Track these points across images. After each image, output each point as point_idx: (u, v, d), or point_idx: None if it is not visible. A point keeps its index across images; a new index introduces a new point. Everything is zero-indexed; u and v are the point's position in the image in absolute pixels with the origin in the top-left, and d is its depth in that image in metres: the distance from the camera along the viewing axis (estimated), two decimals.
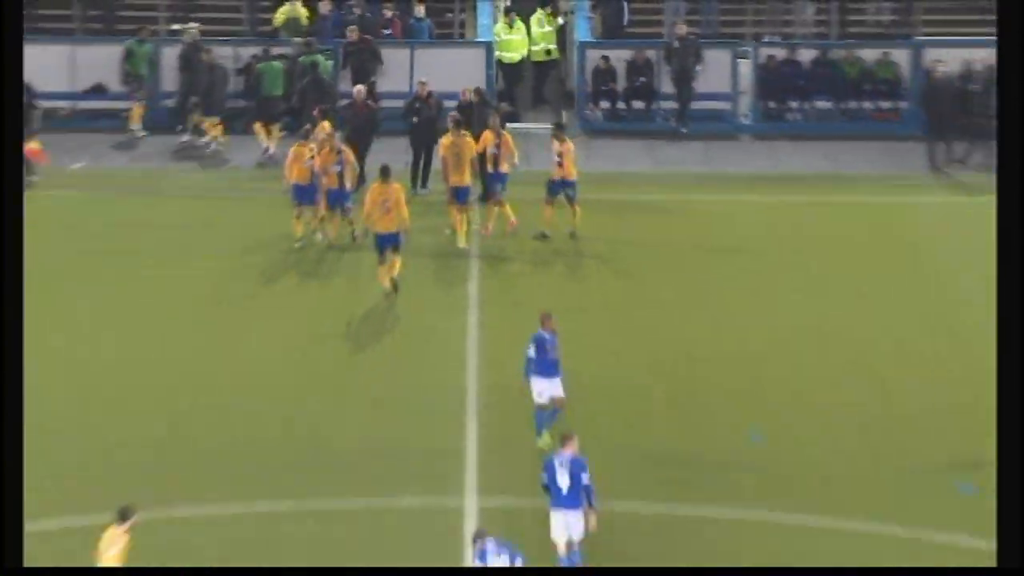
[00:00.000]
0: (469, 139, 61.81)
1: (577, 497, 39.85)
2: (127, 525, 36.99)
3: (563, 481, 39.79)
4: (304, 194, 60.52)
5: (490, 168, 62.49)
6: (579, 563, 39.88)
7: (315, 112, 65.54)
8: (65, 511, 43.45)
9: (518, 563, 36.44)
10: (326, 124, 62.98)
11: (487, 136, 62.76)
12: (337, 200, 60.82)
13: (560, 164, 62.14)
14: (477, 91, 67.87)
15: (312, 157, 60.66)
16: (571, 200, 62.33)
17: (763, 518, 43.33)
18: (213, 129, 73.00)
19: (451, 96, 67.77)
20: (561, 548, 39.92)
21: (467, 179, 61.50)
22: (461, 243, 61.29)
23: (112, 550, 36.73)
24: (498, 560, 36.34)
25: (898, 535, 42.55)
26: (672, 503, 43.97)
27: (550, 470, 40.06)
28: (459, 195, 61.65)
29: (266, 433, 47.88)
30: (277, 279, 59.26)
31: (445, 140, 62.24)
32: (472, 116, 64.93)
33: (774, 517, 43.35)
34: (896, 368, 52.47)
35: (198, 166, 72.50)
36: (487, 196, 63.02)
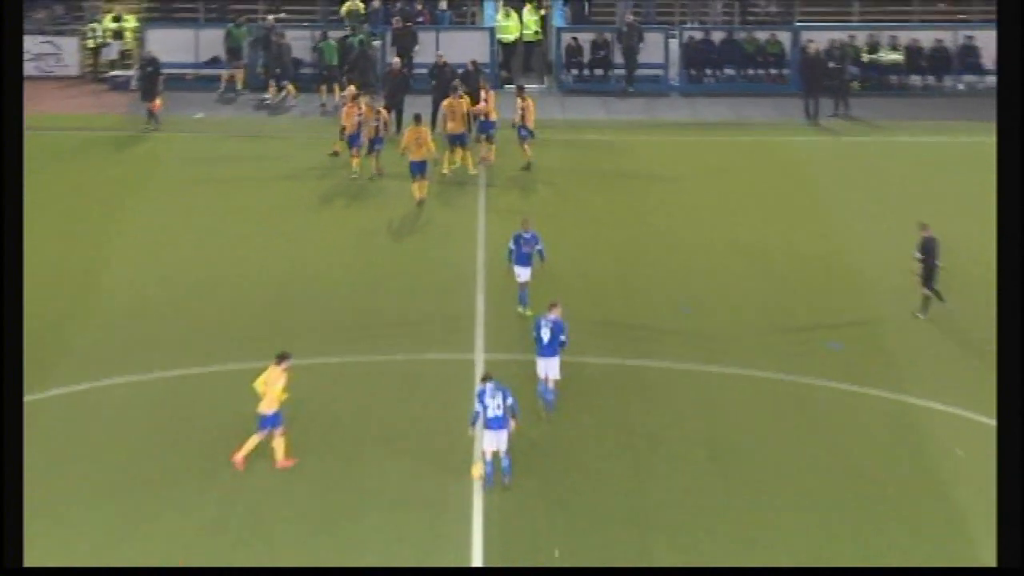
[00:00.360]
0: (464, 100, 61.30)
1: (555, 349, 40.31)
2: (285, 365, 37.38)
3: (545, 336, 40.23)
4: (354, 139, 60.26)
5: (482, 118, 62.11)
6: (553, 398, 40.17)
7: (344, 79, 66.51)
8: (213, 360, 43.51)
9: (508, 401, 36.36)
10: (352, 88, 63.39)
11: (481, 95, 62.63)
12: (374, 145, 60.47)
13: (522, 116, 61.74)
14: (473, 63, 67.46)
15: (360, 113, 60.40)
16: (523, 140, 61.72)
17: (687, 368, 43.22)
18: (289, 90, 72.46)
19: (460, 65, 67.60)
20: (542, 382, 40.40)
21: (460, 127, 60.90)
22: (471, 171, 60.88)
23: (278, 384, 37.19)
24: (492, 400, 36.29)
25: (782, 379, 42.50)
26: (619, 356, 43.84)
27: (537, 327, 40.55)
28: (454, 140, 61.02)
29: (330, 307, 47.74)
30: (335, 196, 58.71)
31: (446, 101, 61.85)
32: (470, 78, 64.68)
33: (695, 367, 43.25)
34: (785, 259, 52.16)
35: (278, 116, 71.81)
36: (479, 137, 62.41)
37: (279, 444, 37.37)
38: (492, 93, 63.34)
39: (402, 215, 56.38)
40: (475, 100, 62.10)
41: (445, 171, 60.35)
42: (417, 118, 58.59)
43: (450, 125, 61.08)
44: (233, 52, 74.18)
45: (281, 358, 37.57)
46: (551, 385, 40.44)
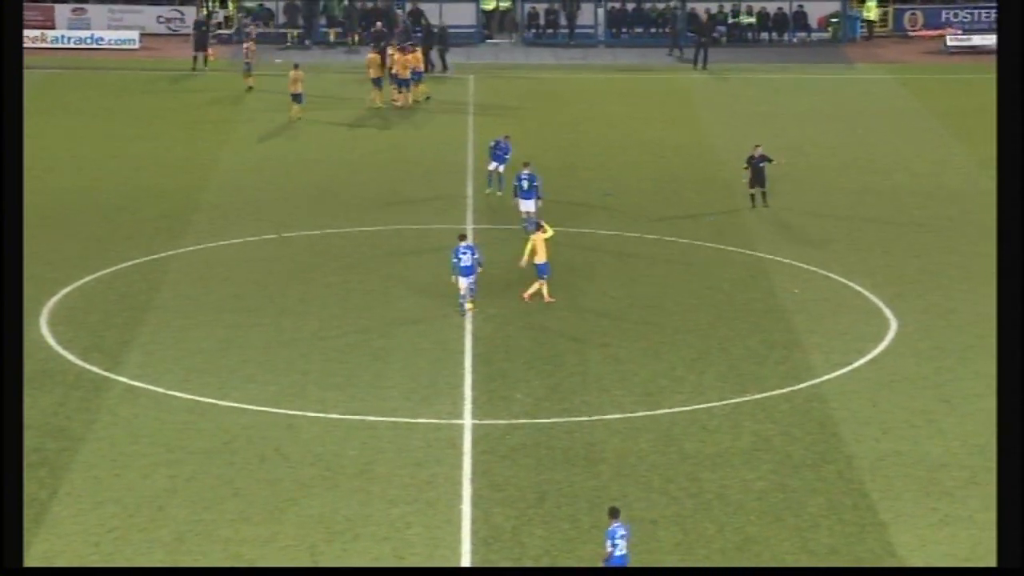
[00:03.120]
0: (409, 56, 57.62)
1: (531, 194, 40.96)
2: (540, 233, 36.60)
3: (525, 185, 40.95)
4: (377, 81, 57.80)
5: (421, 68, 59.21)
6: (534, 225, 39.06)
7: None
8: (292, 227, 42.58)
9: (475, 255, 35.43)
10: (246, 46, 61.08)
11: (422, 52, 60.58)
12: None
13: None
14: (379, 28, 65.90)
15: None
16: (418, 82, 58.30)
17: (611, 232, 42.60)
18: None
19: (455, 26, 66.88)
20: (523, 216, 41.01)
21: (407, 74, 57.17)
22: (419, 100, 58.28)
23: (541, 244, 36.25)
24: (464, 256, 35.35)
25: (676, 241, 41.80)
26: (564, 226, 42.81)
27: (519, 179, 41.32)
28: (403, 82, 57.25)
29: (366, 187, 46.87)
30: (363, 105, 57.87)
31: (396, 54, 58.07)
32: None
33: (616, 232, 42.59)
34: (673, 155, 51.46)
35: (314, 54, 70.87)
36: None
37: (542, 285, 36.37)
38: (419, 52, 59.84)
39: (398, 114, 55.62)
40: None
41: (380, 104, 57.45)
42: (403, 49, 57.74)
43: (401, 73, 57.37)
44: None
45: (538, 227, 36.89)
46: (534, 216, 40.30)
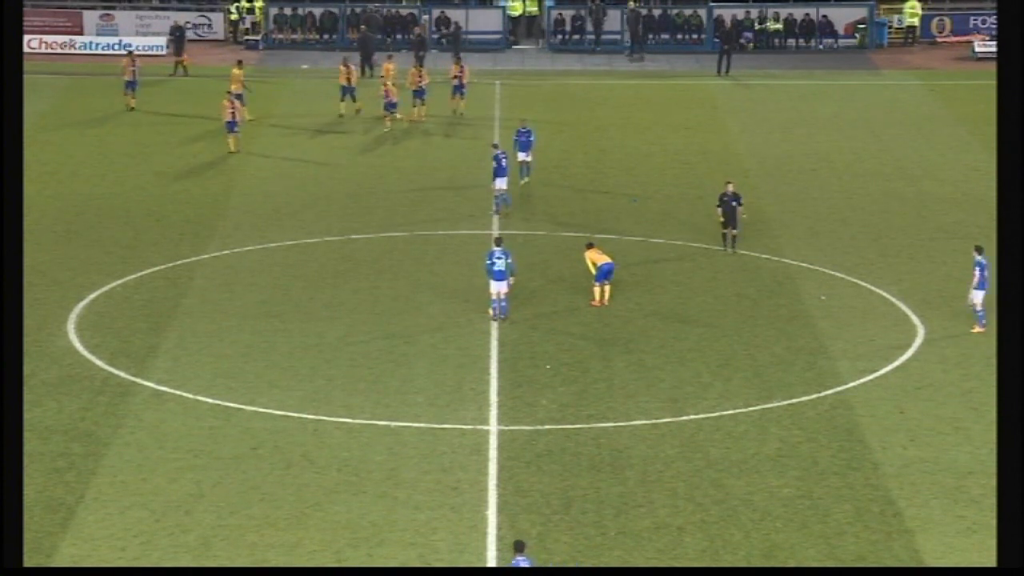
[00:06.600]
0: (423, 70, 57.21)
1: (506, 171, 43.34)
2: (592, 249, 36.92)
3: (504, 162, 43.45)
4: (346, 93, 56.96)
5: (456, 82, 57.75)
6: (504, 203, 42.78)
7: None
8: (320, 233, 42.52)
9: (509, 260, 35.41)
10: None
11: (455, 68, 58.22)
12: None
13: (459, 77, 57.30)
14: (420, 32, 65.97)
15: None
16: (462, 94, 57.23)
17: (635, 239, 42.56)
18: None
19: (483, 32, 66.80)
20: (495, 193, 43.45)
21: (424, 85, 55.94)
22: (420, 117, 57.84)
23: (597, 257, 36.72)
24: (500, 260, 35.30)
25: (702, 247, 41.80)
26: (589, 232, 42.81)
27: (496, 158, 43.47)
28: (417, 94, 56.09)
29: (391, 194, 46.85)
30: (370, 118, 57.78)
31: (413, 70, 57.34)
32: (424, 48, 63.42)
33: (641, 239, 42.61)
34: (700, 162, 51.24)
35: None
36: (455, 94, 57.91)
37: (606, 289, 36.80)
38: (466, 67, 58.73)
39: (428, 139, 55.58)
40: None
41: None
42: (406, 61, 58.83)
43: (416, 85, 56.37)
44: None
45: (589, 245, 37.14)
46: (507, 193, 43.24)
